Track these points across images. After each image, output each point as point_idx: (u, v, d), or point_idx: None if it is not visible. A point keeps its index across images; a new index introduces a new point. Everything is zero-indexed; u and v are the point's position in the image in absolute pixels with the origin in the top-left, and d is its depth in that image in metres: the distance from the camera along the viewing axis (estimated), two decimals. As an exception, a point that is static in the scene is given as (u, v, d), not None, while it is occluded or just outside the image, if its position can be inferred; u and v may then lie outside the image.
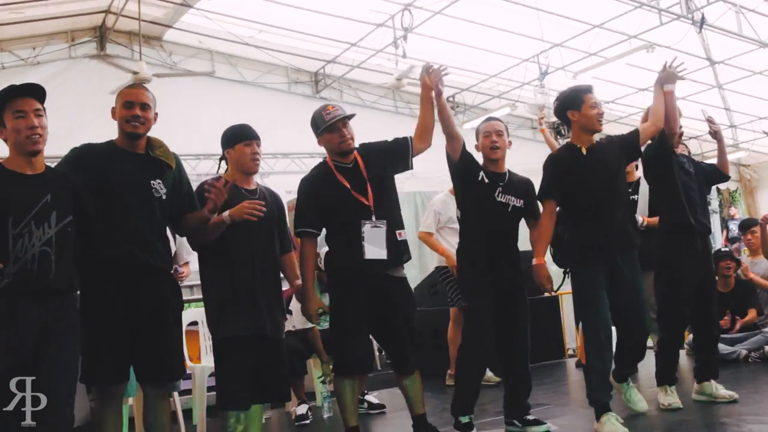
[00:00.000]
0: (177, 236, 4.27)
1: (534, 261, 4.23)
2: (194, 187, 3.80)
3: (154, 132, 3.65)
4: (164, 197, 3.56)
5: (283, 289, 4.17)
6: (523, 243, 4.44)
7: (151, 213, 3.51)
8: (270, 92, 12.25)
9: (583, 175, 4.20)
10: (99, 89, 9.33)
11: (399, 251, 4.06)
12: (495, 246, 4.29)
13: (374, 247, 3.96)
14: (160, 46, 11.46)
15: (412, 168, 4.26)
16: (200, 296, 4.03)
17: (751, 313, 6.69)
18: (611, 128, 8.50)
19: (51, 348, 3.08)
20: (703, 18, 9.80)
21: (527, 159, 10.05)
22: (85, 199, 3.37)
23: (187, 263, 5.32)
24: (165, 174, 3.60)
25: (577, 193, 4.22)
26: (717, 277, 5.65)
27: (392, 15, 10.66)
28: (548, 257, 5.29)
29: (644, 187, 5.67)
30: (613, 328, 4.23)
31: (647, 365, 4.51)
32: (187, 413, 5.49)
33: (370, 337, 4.30)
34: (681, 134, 4.92)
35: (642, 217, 5.55)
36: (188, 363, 5.24)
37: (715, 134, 5.01)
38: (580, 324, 4.38)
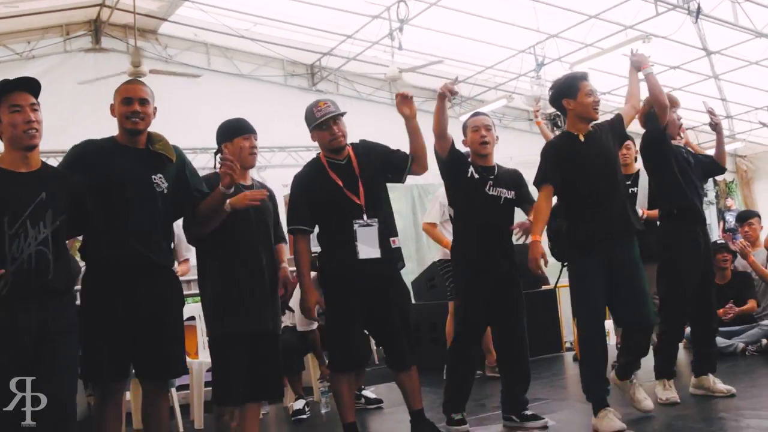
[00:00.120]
0: (175, 233, 4.27)
1: (530, 238, 4.15)
2: None
3: (150, 126, 3.63)
4: (166, 191, 3.54)
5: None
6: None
7: (152, 208, 3.50)
8: (266, 85, 12.24)
9: (583, 161, 4.15)
10: (94, 83, 9.31)
11: (394, 257, 4.07)
12: (489, 240, 4.28)
13: (367, 247, 3.96)
14: (156, 40, 11.45)
15: (403, 182, 4.28)
16: (198, 291, 4.01)
17: (751, 303, 6.65)
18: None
19: (51, 348, 3.06)
20: (699, 8, 9.79)
21: (524, 151, 10.13)
22: (86, 197, 3.36)
23: (186, 260, 5.31)
24: (166, 168, 3.58)
25: (577, 180, 4.15)
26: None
27: (388, 7, 10.63)
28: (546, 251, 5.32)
29: (644, 180, 5.66)
30: (610, 324, 4.21)
31: (645, 358, 4.50)
32: (185, 408, 5.49)
33: (365, 332, 4.29)
34: (680, 126, 4.91)
35: (642, 209, 5.50)
36: (186, 358, 5.23)
37: (716, 126, 4.99)
38: (576, 319, 4.35)
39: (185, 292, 4.39)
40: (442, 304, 6.61)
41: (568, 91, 4.25)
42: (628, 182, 5.45)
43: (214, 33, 11.32)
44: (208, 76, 11.34)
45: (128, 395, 4.99)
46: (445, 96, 4.11)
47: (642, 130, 4.83)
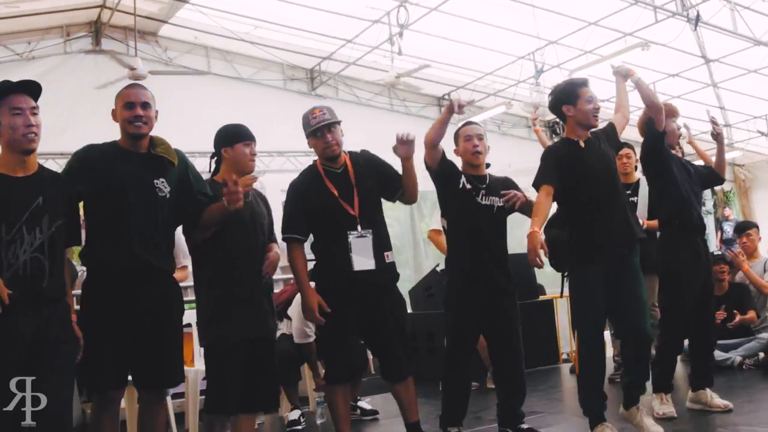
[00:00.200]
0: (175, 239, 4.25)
1: (528, 231, 4.02)
2: None
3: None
4: (168, 196, 3.53)
5: (276, 291, 4.14)
6: (513, 246, 4.40)
7: (154, 212, 3.49)
8: (265, 89, 12.20)
9: (584, 167, 4.11)
10: (94, 85, 9.28)
11: (388, 271, 4.06)
12: (483, 251, 4.24)
13: (362, 258, 3.95)
14: (156, 42, 11.40)
15: (393, 201, 4.28)
16: (194, 298, 3.99)
17: (751, 313, 6.60)
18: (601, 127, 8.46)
19: (46, 356, 3.05)
20: (698, 15, 9.78)
21: (522, 158, 10.12)
22: (87, 202, 3.37)
23: (183, 267, 5.29)
24: (168, 171, 3.57)
25: (578, 186, 4.09)
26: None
27: (388, 11, 10.60)
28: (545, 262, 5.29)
29: (644, 189, 5.65)
30: (607, 335, 4.16)
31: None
32: (179, 417, 5.46)
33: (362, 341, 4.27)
34: (679, 135, 4.90)
35: (642, 219, 5.46)
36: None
37: (717, 136, 4.96)
38: (576, 332, 4.29)
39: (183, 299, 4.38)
40: (439, 314, 6.55)
41: (568, 98, 4.21)
42: (629, 191, 5.45)
43: (214, 36, 11.28)
44: (207, 79, 11.33)
45: (123, 402, 4.95)
46: (453, 110, 4.07)
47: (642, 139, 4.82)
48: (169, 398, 5.03)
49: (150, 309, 3.39)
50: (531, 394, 4.54)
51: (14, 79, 3.23)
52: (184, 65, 11.45)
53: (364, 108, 12.84)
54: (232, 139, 3.91)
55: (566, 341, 7.77)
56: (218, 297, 3.73)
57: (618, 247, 4.07)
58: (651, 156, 4.73)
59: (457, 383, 4.33)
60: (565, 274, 4.37)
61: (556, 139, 11.19)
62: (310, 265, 4.15)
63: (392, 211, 4.39)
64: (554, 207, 4.22)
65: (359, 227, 3.97)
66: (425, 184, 4.34)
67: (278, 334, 5.84)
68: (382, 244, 4.05)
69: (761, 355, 6.28)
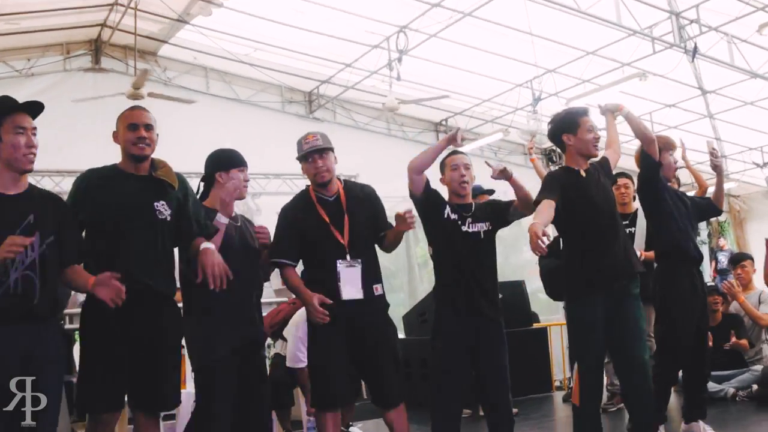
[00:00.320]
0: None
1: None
2: None
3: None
4: (168, 218, 3.54)
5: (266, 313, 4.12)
6: (508, 274, 4.37)
7: (154, 235, 3.50)
8: (263, 111, 12.22)
9: (586, 196, 4.08)
10: (93, 103, 9.30)
11: (377, 302, 4.04)
12: (469, 280, 4.11)
13: (350, 287, 3.93)
14: (155, 61, 11.43)
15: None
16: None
17: (744, 342, 6.59)
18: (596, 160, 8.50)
19: (34, 375, 3.00)
20: (695, 47, 9.84)
21: (519, 185, 10.11)
22: (88, 226, 3.40)
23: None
24: (169, 195, 3.58)
25: (578, 215, 4.06)
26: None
27: (387, 37, 10.65)
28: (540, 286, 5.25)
29: (641, 221, 5.63)
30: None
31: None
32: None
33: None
34: (676, 169, 4.91)
35: (639, 251, 5.40)
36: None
37: (716, 167, 4.96)
38: (575, 364, 4.18)
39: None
40: (433, 339, 6.53)
41: (569, 127, 4.20)
42: (626, 221, 5.44)
43: (213, 57, 11.33)
44: (206, 100, 11.36)
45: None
46: (453, 141, 4.05)
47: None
48: (160, 420, 5.00)
49: (148, 332, 3.39)
50: (523, 423, 4.51)
51: (13, 95, 3.24)
52: (183, 85, 11.48)
53: (362, 132, 12.87)
54: (228, 164, 3.92)
55: (559, 368, 7.72)
56: (206, 318, 3.71)
57: (618, 279, 4.05)
58: (647, 187, 4.72)
59: (447, 417, 4.18)
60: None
61: (552, 168, 11.22)
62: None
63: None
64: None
65: (348, 256, 3.96)
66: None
67: (272, 353, 5.84)
68: (372, 275, 4.02)
69: (755, 387, 6.23)
